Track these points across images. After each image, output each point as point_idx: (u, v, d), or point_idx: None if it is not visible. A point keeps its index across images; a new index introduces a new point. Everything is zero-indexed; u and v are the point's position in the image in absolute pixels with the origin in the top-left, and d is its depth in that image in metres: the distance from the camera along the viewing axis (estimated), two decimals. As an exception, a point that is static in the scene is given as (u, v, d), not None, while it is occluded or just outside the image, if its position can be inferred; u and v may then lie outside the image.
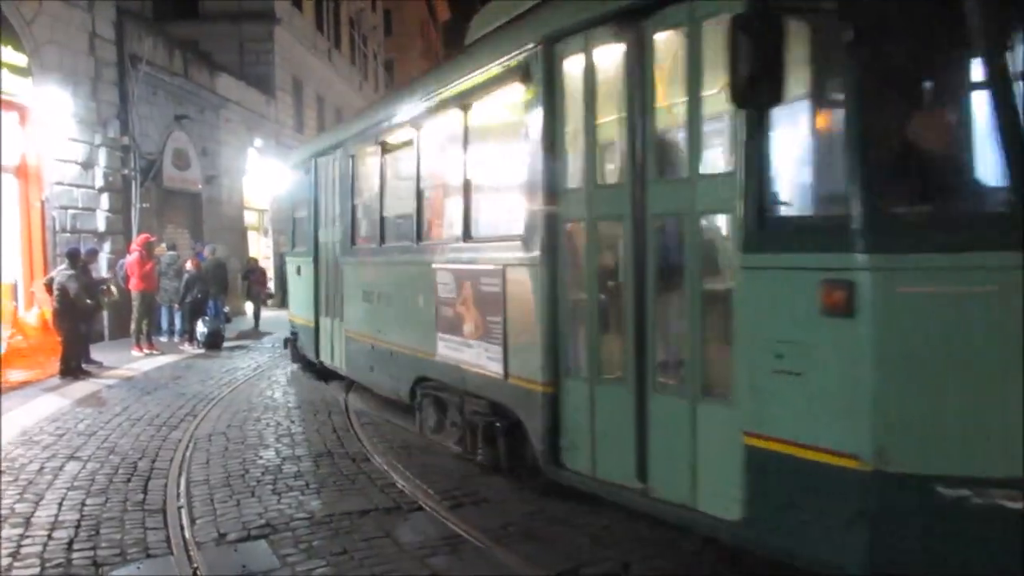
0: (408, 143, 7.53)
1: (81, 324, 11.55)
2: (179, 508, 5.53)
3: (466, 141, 6.34)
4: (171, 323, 15.59)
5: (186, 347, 14.48)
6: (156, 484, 6.10)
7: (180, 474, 6.34)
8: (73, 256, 11.49)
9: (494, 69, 5.80)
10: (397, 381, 7.79)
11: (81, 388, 10.30)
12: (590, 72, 4.85)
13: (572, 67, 5.00)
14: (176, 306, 15.11)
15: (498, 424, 5.89)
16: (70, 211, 14.32)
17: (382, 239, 8.18)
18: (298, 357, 11.93)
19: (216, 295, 15.63)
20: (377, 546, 4.81)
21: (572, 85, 5.01)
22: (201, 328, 14.65)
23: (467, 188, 6.30)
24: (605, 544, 4.83)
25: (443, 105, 6.67)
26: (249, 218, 23.99)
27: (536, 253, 5.18)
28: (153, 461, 6.74)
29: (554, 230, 5.10)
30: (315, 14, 29.71)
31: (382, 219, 8.19)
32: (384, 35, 43.82)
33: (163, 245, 15.35)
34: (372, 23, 40.53)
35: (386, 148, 8.17)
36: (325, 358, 10.25)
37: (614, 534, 4.96)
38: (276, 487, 6.00)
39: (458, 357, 6.36)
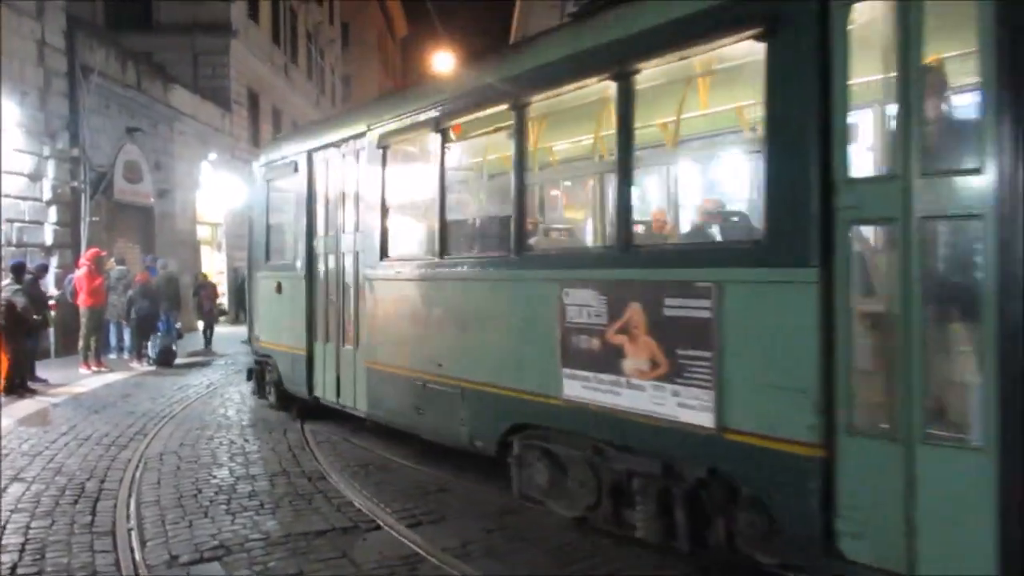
0: (504, 126, 6.00)
1: (27, 340, 11.22)
2: (129, 530, 5.38)
3: (628, 115, 4.82)
4: (120, 340, 15.23)
5: (136, 364, 14.15)
6: (105, 505, 5.93)
7: (130, 495, 6.17)
8: (18, 270, 11.18)
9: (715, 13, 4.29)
10: (473, 428, 6.12)
11: (26, 406, 9.97)
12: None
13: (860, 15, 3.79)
14: (125, 322, 14.77)
15: (675, 490, 4.57)
16: (16, 224, 13.93)
17: (443, 250, 6.46)
18: (271, 392, 9.87)
19: (168, 310, 15.32)
20: (334, 567, 4.73)
21: (865, 36, 3.78)
22: (152, 345, 14.34)
23: (625, 176, 4.81)
24: (566, 560, 4.82)
25: (581, 70, 5.15)
26: (202, 232, 23.59)
27: (805, 267, 3.79)
28: (102, 482, 6.55)
29: (832, 234, 3.73)
30: (272, 27, 29.49)
31: (444, 225, 6.47)
32: (342, 49, 43.65)
33: (112, 260, 15.03)
34: (330, 37, 40.35)
35: (455, 135, 6.62)
36: (324, 394, 8.47)
37: (577, 550, 4.96)
38: (230, 507, 5.87)
39: (608, 401, 4.87)
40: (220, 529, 5.38)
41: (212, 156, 22.60)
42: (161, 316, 14.95)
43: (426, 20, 47.95)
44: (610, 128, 5.15)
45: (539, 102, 5.65)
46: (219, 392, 11.50)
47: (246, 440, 8.19)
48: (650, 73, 4.83)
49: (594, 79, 5.07)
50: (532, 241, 6.12)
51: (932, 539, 3.40)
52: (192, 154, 21.80)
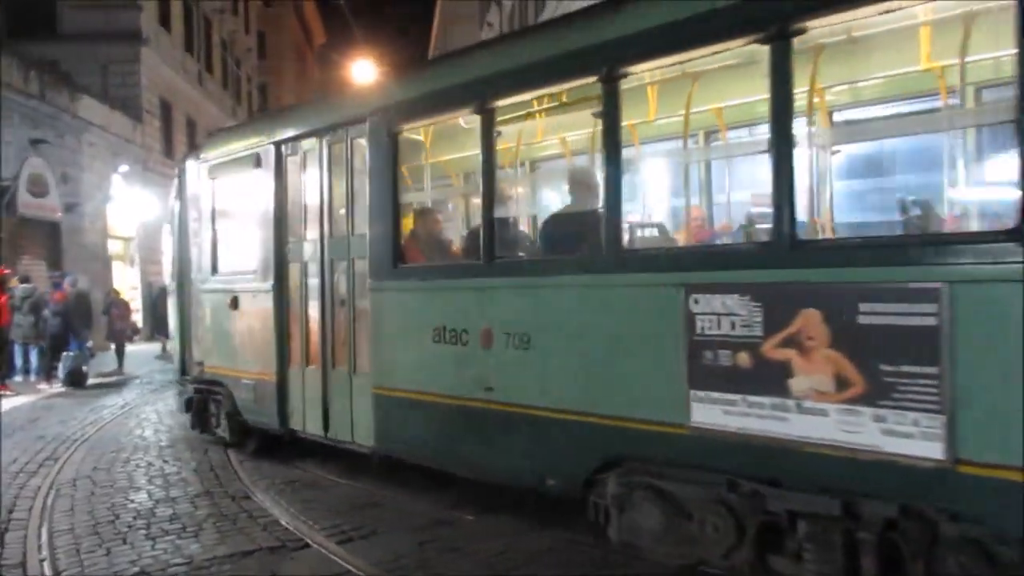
0: (586, 101, 5.23)
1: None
2: (41, 561, 5.12)
3: (785, 80, 3.88)
4: (26, 361, 14.51)
5: (44, 386, 13.51)
6: (14, 536, 5.62)
7: (41, 524, 5.87)
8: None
9: None
10: (543, 463, 5.08)
11: (-77, 435, 9.41)
12: None
13: None
14: (32, 343, 14.09)
15: (862, 533, 3.74)
16: (-91, 242, 13.17)
17: (491, 254, 5.38)
18: (221, 425, 8.40)
19: (79, 329, 14.68)
20: (262, 588, 4.61)
21: None
22: (62, 365, 13.72)
23: (783, 148, 3.89)
24: (501, 570, 4.80)
25: (722, 29, 4.12)
26: (114, 247, 22.73)
27: None
28: (11, 512, 6.21)
29: None
30: (184, 35, 28.70)
31: (493, 223, 5.40)
32: (258, 58, 42.80)
33: (16, 278, 14.34)
34: (246, 45, 39.51)
35: (507, 114, 5.71)
36: (305, 426, 7.15)
37: (511, 559, 4.95)
38: (150, 532, 5.64)
39: (763, 429, 3.98)
40: (140, 555, 5.17)
41: (123, 168, 21.83)
42: (71, 335, 14.34)
43: (344, 29, 47.43)
44: (752, 94, 4.65)
45: (647, 70, 4.81)
46: (134, 412, 11.06)
47: (165, 461, 7.90)
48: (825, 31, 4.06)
49: (741, 40, 4.08)
50: (634, 239, 5.42)
51: None
52: (102, 166, 21.00)
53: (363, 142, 6.49)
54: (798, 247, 3.92)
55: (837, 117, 5.85)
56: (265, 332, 7.52)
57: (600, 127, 4.77)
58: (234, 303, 7.96)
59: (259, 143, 7.74)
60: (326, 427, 6.90)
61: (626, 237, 5.08)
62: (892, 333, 3.54)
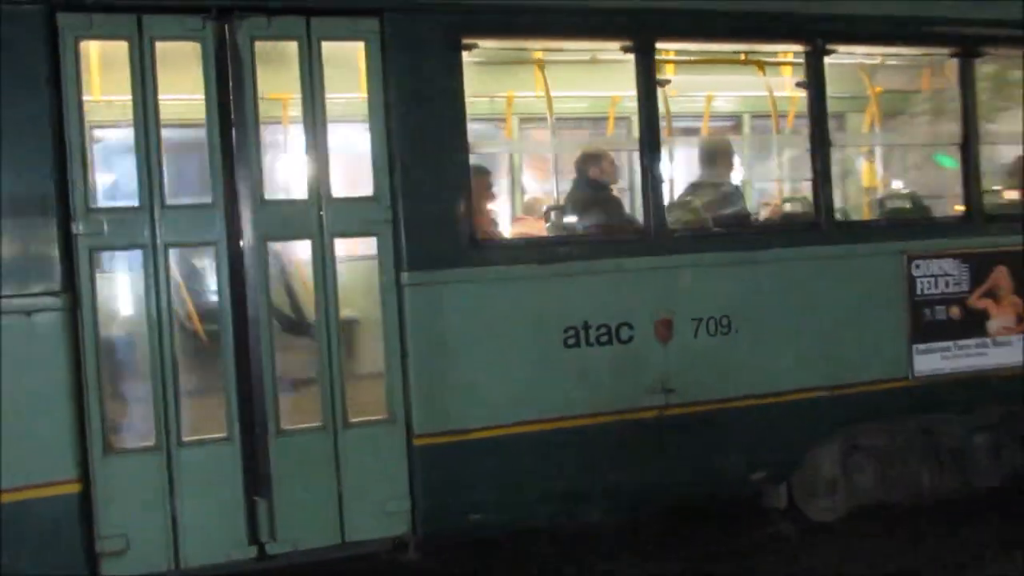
0: (783, 63, 5.60)
1: None
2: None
3: None
4: None
5: None
6: None
7: None
8: None
9: None
10: (752, 456, 4.76)
11: None
12: None
13: None
14: None
15: None
16: None
17: (660, 226, 4.59)
18: None
19: None
20: None
21: None
22: None
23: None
24: None
25: None
26: None
27: None
28: None
29: None
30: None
31: (658, 187, 4.65)
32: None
33: None
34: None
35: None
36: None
37: None
38: None
39: (973, 364, 5.15)
40: None
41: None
42: None
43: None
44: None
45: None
46: None
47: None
48: None
49: None
50: (858, 209, 6.15)
51: None
52: None
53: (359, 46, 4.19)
54: (990, 221, 5.23)
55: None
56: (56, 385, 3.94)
57: (809, 96, 4.92)
58: None
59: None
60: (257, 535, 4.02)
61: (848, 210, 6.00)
62: None
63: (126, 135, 4.01)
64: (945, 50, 5.32)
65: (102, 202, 4.10)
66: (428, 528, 4.25)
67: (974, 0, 5.15)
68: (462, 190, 4.22)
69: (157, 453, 3.74)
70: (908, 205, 6.16)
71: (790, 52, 5.25)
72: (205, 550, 3.85)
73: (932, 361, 5.06)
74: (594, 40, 4.86)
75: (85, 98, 3.78)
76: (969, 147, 5.04)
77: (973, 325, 5.07)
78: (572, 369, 4.40)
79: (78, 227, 3.65)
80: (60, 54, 3.67)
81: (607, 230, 4.94)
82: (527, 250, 4.55)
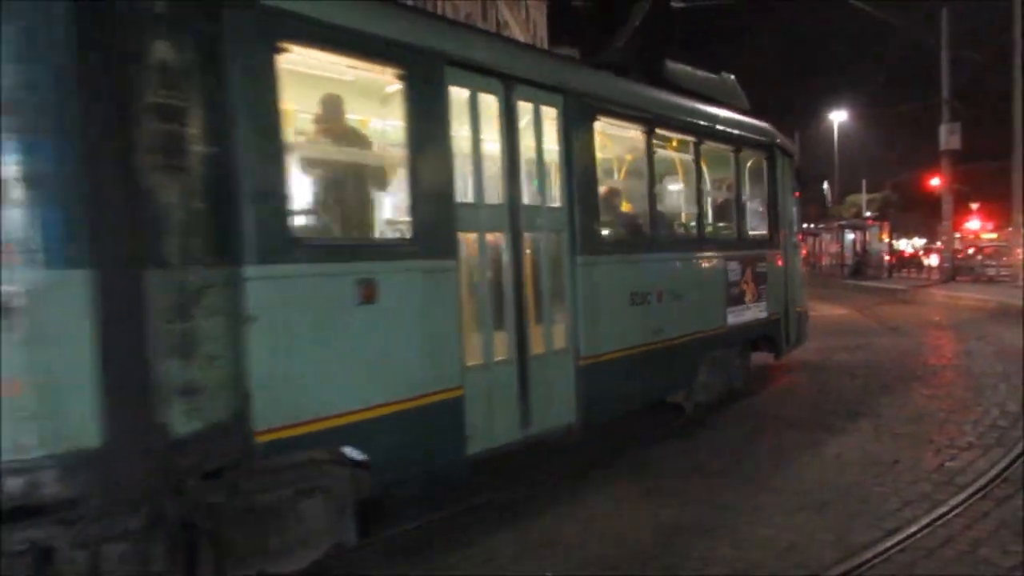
0: None
1: None
2: None
3: None
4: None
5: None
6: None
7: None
8: None
9: None
10: None
11: None
12: None
13: None
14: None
15: None
16: None
17: None
18: None
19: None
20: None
21: None
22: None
23: None
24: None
25: None
26: None
27: None
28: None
29: None
30: None
31: None
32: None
33: None
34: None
35: None
36: (489, 437, 5.41)
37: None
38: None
39: None
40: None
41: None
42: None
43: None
44: None
45: None
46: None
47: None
48: None
49: None
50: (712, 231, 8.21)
51: None
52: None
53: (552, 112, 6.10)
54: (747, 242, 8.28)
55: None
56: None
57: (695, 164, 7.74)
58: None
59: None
60: (525, 423, 5.74)
61: None
62: None
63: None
64: (730, 147, 8.29)
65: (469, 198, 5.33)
66: (586, 417, 6.17)
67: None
68: (600, 210, 6.52)
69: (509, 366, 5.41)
70: (728, 231, 9.07)
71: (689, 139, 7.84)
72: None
73: (732, 317, 8.20)
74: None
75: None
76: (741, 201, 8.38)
77: (742, 298, 8.29)
78: (635, 316, 6.73)
79: (459, 220, 5.05)
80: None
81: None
82: (620, 245, 6.93)
